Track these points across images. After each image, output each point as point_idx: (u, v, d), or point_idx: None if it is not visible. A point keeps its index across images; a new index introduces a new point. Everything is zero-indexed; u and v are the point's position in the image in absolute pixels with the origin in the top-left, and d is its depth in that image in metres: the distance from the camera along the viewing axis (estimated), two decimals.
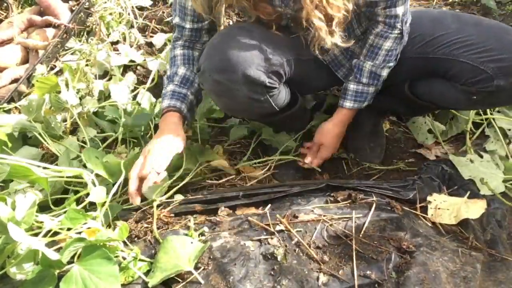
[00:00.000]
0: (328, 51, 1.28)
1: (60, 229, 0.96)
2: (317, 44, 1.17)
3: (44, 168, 1.05)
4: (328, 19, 1.10)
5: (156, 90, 1.92)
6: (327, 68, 1.37)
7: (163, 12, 2.44)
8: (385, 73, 1.27)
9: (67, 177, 1.12)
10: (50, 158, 1.51)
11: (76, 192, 1.19)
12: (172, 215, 1.15)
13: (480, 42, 1.13)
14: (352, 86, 1.31)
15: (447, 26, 1.19)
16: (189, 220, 1.10)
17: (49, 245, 0.95)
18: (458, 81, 1.19)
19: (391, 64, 1.26)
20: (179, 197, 1.21)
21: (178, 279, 0.94)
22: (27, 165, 0.98)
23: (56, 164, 1.31)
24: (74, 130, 1.65)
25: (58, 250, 0.92)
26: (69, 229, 0.96)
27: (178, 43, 1.34)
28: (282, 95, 1.28)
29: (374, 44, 1.24)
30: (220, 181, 1.38)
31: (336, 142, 1.42)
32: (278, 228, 1.05)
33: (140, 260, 0.98)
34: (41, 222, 0.95)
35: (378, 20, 1.21)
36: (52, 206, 1.11)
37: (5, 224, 0.85)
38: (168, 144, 1.19)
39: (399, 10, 1.16)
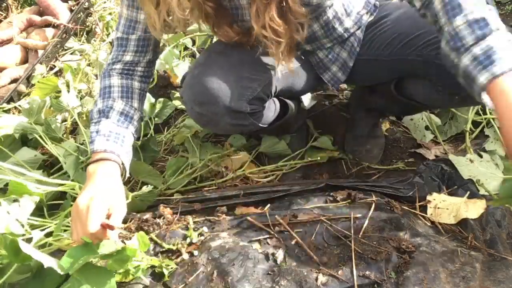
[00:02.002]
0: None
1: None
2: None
3: (38, 181, 1.04)
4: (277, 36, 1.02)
5: (156, 90, 1.92)
6: (313, 72, 1.35)
7: None
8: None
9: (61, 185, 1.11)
10: (50, 158, 1.51)
11: (74, 198, 1.17)
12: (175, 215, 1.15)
13: None
14: (469, 56, 0.83)
15: (423, 25, 1.11)
16: (189, 220, 1.10)
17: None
18: (437, 83, 1.16)
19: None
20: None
21: None
22: (23, 182, 0.97)
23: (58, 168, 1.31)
24: (74, 130, 1.65)
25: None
26: None
27: (116, 67, 1.16)
28: (269, 112, 1.26)
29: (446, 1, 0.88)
30: (219, 180, 1.38)
31: None
32: (277, 228, 1.05)
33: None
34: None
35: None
36: (46, 215, 1.10)
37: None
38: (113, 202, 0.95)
39: None
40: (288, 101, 1.39)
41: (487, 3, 0.88)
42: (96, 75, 1.88)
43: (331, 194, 1.19)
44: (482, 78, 0.80)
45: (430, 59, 1.11)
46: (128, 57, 1.15)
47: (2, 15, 2.28)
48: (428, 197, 1.23)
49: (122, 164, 1.06)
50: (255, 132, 1.42)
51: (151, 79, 1.27)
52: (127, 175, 1.10)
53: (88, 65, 1.91)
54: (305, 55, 1.32)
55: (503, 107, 0.78)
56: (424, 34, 1.12)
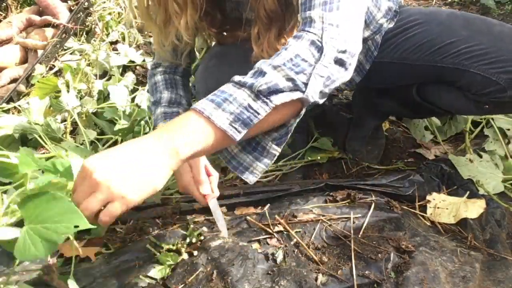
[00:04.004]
0: None
1: None
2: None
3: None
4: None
5: None
6: None
7: None
8: (275, 78, 0.77)
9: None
10: (49, 158, 1.50)
11: None
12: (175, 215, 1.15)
13: (492, 52, 1.08)
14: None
15: (457, 32, 1.13)
16: (188, 220, 1.10)
17: None
18: (469, 91, 1.15)
19: (296, 76, 0.78)
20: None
21: None
22: None
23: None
24: (74, 130, 1.65)
25: None
26: None
27: (158, 70, 1.27)
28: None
29: (283, 46, 0.85)
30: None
31: None
32: (277, 228, 1.05)
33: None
34: None
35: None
36: None
37: None
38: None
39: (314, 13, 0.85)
40: None
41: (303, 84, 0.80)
42: (96, 75, 1.88)
43: (331, 194, 1.19)
44: None
45: (464, 67, 1.11)
46: (166, 63, 1.25)
47: (1, 15, 2.28)
48: (428, 197, 1.23)
49: None
50: None
51: (191, 75, 1.38)
52: None
53: (88, 65, 1.91)
54: None
55: None
56: (458, 42, 1.12)
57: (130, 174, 0.70)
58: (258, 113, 0.76)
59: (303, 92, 0.79)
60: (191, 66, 1.32)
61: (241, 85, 0.78)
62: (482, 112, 1.25)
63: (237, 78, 0.80)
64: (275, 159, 0.87)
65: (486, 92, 1.11)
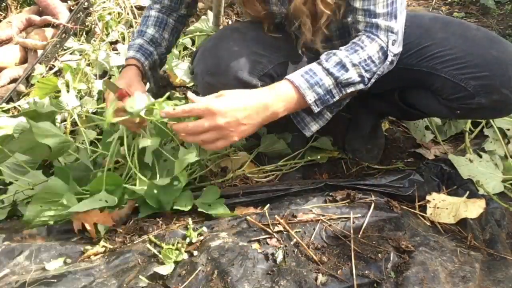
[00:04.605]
0: (313, 51, 1.26)
1: None
2: (301, 43, 1.17)
3: None
4: (315, 16, 1.10)
5: (155, 90, 1.92)
6: None
7: None
8: (353, 74, 1.06)
9: None
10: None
11: None
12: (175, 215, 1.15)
13: (463, 57, 1.09)
14: (309, 64, 1.09)
15: (433, 36, 1.15)
16: (188, 220, 1.10)
17: None
18: (440, 95, 1.17)
19: (365, 74, 1.07)
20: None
21: None
22: None
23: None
24: (73, 130, 1.64)
25: None
26: None
27: (155, 6, 1.34)
28: None
29: (359, 42, 1.08)
30: (219, 180, 1.38)
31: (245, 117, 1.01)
32: (276, 228, 1.05)
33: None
34: None
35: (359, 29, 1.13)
36: None
37: None
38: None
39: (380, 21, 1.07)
40: None
41: (368, 80, 1.10)
42: (96, 75, 1.88)
43: (331, 194, 1.19)
44: None
45: (436, 72, 1.13)
46: (166, 3, 1.33)
47: (1, 15, 2.28)
48: (428, 197, 1.24)
49: (145, 70, 1.27)
50: None
51: (185, 25, 1.48)
52: (150, 83, 1.35)
53: (88, 65, 1.91)
54: (316, 55, 1.33)
55: None
56: (433, 46, 1.13)
57: (241, 126, 0.99)
58: (334, 97, 1.07)
59: (366, 85, 1.09)
60: (188, 18, 1.41)
61: (329, 73, 1.05)
62: (455, 117, 1.27)
63: (325, 64, 1.05)
64: (326, 122, 1.16)
65: (455, 98, 1.13)
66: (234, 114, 0.97)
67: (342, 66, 1.05)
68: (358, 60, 1.05)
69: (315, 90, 1.04)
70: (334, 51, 1.09)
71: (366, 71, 1.06)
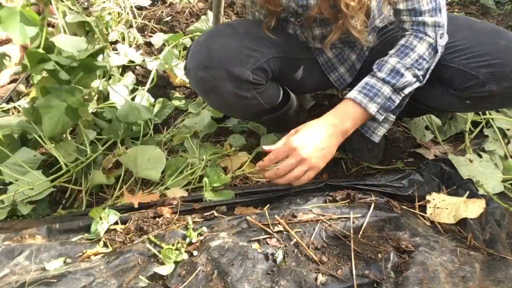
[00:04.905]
0: (330, 47, 1.27)
1: None
2: (335, 35, 1.17)
3: None
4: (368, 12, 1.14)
5: (155, 90, 1.92)
6: (320, 70, 1.37)
7: (162, 12, 2.44)
8: (408, 77, 1.10)
9: None
10: (49, 158, 1.51)
11: None
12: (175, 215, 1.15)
13: (472, 47, 1.12)
14: (364, 79, 1.14)
15: None
16: (188, 220, 1.10)
17: None
18: (451, 86, 1.18)
19: (419, 73, 1.11)
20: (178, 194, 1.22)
21: None
22: None
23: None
24: (73, 130, 1.65)
25: None
26: None
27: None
28: (271, 92, 1.28)
29: (407, 44, 1.12)
30: None
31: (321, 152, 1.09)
32: (276, 228, 1.05)
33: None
34: None
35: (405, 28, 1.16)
36: None
37: None
38: None
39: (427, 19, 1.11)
40: (291, 93, 1.40)
41: (422, 76, 1.13)
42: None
43: (331, 194, 1.19)
44: None
45: (445, 62, 1.14)
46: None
47: None
48: (428, 197, 1.23)
49: None
50: (257, 117, 1.42)
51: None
52: None
53: None
54: (316, 53, 1.33)
55: None
56: None
57: (321, 151, 1.07)
58: (394, 102, 1.12)
59: (421, 82, 1.13)
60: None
61: (385, 82, 1.10)
62: (465, 107, 1.27)
63: (380, 74, 1.11)
64: (391, 124, 1.21)
65: (466, 87, 1.14)
66: (313, 143, 1.06)
67: (396, 72, 1.10)
68: (410, 63, 1.10)
69: (375, 101, 1.10)
70: (384, 58, 1.13)
71: (419, 70, 1.11)
